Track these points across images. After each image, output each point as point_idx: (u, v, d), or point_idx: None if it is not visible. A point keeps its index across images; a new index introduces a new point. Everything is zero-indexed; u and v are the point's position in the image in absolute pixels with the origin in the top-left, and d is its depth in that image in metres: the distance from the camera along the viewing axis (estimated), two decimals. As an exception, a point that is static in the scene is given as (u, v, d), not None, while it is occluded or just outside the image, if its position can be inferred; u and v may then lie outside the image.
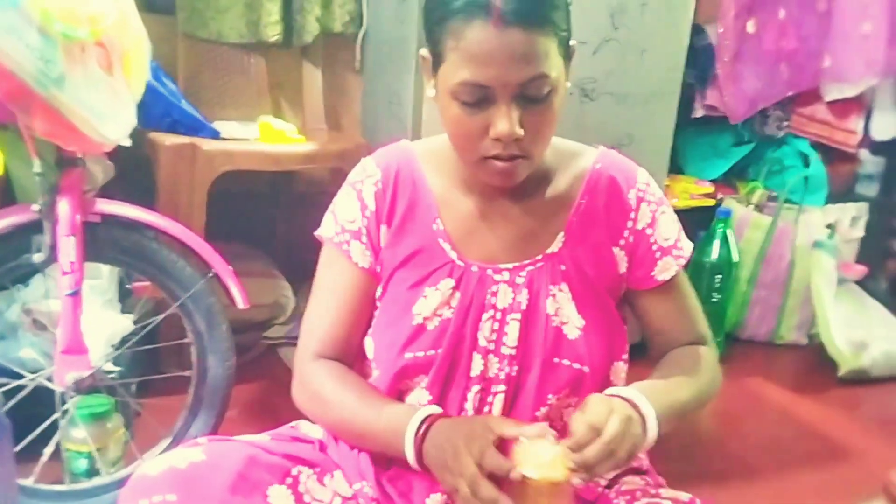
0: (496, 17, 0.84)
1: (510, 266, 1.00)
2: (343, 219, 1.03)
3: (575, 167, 1.04)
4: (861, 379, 2.45)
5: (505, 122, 0.87)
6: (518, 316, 0.98)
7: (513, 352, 0.98)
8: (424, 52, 0.95)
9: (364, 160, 1.06)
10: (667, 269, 1.05)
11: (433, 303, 0.98)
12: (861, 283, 2.87)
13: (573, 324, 0.99)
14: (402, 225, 1.01)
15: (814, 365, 2.57)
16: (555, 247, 1.01)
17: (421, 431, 0.92)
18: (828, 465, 1.98)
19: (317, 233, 1.06)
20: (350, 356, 1.05)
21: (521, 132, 0.88)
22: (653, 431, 0.89)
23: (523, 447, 0.87)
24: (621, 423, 0.85)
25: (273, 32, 2.23)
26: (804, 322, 2.71)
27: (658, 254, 1.04)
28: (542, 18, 0.86)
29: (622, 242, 1.04)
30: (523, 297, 0.99)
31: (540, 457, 0.85)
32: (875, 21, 2.63)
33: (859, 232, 2.95)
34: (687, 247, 1.07)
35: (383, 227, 1.02)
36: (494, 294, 0.99)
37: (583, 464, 0.83)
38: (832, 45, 2.65)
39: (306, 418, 1.10)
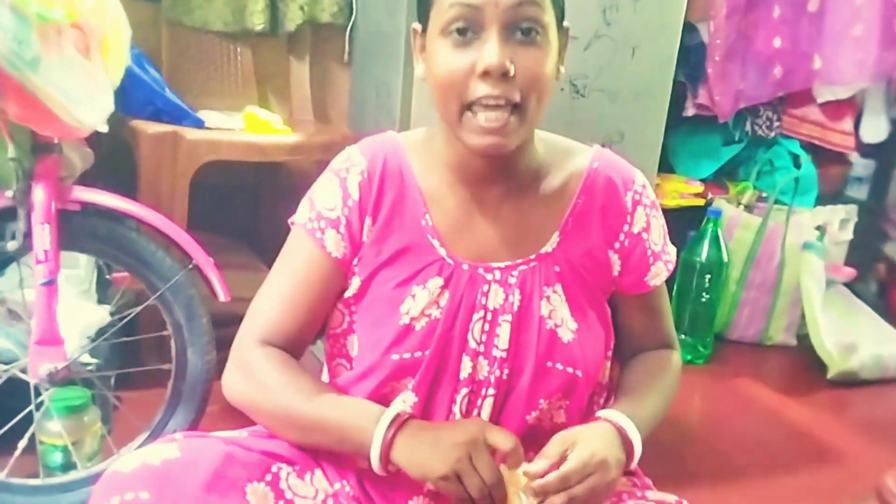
0: None
1: (502, 265, 0.97)
2: (321, 206, 0.98)
3: (570, 165, 1.01)
4: (850, 381, 2.45)
5: (493, 52, 0.85)
6: (510, 317, 0.95)
7: (504, 354, 0.95)
8: (416, 24, 0.93)
9: (349, 148, 1.01)
10: (658, 274, 1.04)
11: (421, 302, 0.94)
12: (850, 285, 2.89)
13: (567, 326, 0.97)
14: (389, 220, 0.97)
15: (803, 366, 2.57)
16: (549, 246, 0.98)
17: (393, 429, 0.89)
18: (816, 467, 1.97)
19: (291, 219, 1.01)
20: (297, 352, 1.00)
21: (509, 66, 0.85)
22: (637, 456, 0.94)
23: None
24: (590, 489, 0.87)
25: (259, 21, 2.20)
26: (793, 323, 2.71)
27: (651, 259, 1.03)
28: None
29: (617, 246, 1.01)
30: (515, 297, 0.96)
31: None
32: (866, 24, 2.63)
33: (848, 234, 2.95)
34: (673, 251, 1.07)
35: (367, 220, 0.97)
36: (485, 294, 0.96)
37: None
38: (824, 47, 2.64)
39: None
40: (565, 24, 0.93)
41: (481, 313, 0.95)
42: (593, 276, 1.00)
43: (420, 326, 0.94)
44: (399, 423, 0.89)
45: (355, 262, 0.98)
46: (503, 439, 0.87)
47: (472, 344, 0.95)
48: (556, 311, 0.97)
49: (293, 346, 0.99)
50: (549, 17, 0.88)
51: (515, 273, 0.97)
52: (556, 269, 0.98)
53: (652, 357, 1.07)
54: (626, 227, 1.01)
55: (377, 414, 0.90)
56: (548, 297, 0.97)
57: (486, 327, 0.95)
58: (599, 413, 0.96)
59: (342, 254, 0.98)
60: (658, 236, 1.04)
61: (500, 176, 0.97)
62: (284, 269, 1.00)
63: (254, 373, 0.96)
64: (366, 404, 0.93)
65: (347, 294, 0.99)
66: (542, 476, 0.86)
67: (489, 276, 0.96)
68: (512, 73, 0.86)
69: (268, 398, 0.96)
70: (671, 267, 1.05)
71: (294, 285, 0.98)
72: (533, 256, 0.98)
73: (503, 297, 0.96)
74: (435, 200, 0.98)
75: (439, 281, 0.95)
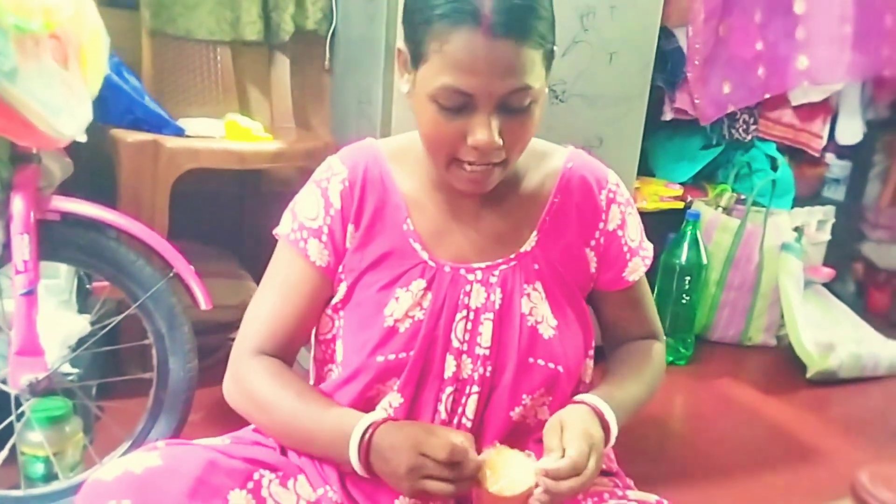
0: (486, 27, 0.82)
1: (483, 265, 0.99)
2: (303, 216, 1.00)
3: (546, 166, 1.04)
4: (829, 380, 2.48)
5: (485, 131, 0.86)
6: (491, 316, 0.97)
7: (486, 352, 0.97)
8: (402, 45, 0.92)
9: (330, 158, 1.03)
10: (636, 269, 1.06)
11: (404, 304, 0.96)
12: (828, 285, 2.92)
13: (547, 323, 0.98)
14: (371, 226, 0.99)
15: (782, 366, 2.60)
16: (528, 246, 1.01)
17: (366, 438, 0.90)
18: (796, 465, 1.99)
19: (275, 231, 1.04)
20: (290, 357, 1.03)
21: (500, 142, 0.87)
22: (613, 439, 0.95)
23: (491, 455, 0.89)
24: (597, 463, 0.88)
25: (253, 31, 2.21)
26: (772, 324, 2.73)
27: (628, 255, 1.05)
28: (530, 31, 0.84)
29: (593, 243, 1.04)
30: (497, 296, 0.98)
31: (507, 467, 0.88)
32: (848, 24, 2.65)
33: (826, 235, 2.98)
34: (649, 247, 1.09)
35: (350, 228, 0.99)
36: (468, 294, 0.97)
37: (554, 492, 0.85)
38: (805, 48, 2.66)
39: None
40: (555, 49, 0.92)
41: (464, 313, 0.97)
42: (571, 273, 1.02)
43: (404, 328, 0.95)
44: (372, 431, 0.90)
45: (341, 268, 1.00)
46: (438, 450, 0.86)
47: (455, 343, 0.96)
48: (537, 308, 0.98)
49: (285, 352, 1.02)
50: (540, 80, 0.88)
51: (496, 273, 0.99)
52: (536, 267, 1.00)
53: (635, 346, 1.10)
54: (601, 225, 1.03)
55: (355, 425, 0.91)
56: (528, 295, 0.98)
57: (469, 326, 0.97)
58: (576, 397, 0.97)
59: (326, 262, 0.99)
60: (634, 232, 1.06)
61: None
62: (272, 280, 1.03)
63: (246, 385, 1.00)
64: (347, 415, 0.94)
65: (335, 300, 1.01)
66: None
67: (471, 277, 0.98)
68: (502, 144, 0.88)
69: (259, 410, 0.99)
70: (648, 262, 1.08)
71: (281, 296, 1.01)
72: (513, 256, 1.00)
73: (485, 297, 0.98)
74: (416, 205, 1.00)
75: (422, 283, 0.97)
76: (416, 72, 0.89)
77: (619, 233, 1.04)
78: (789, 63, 2.66)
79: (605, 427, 0.94)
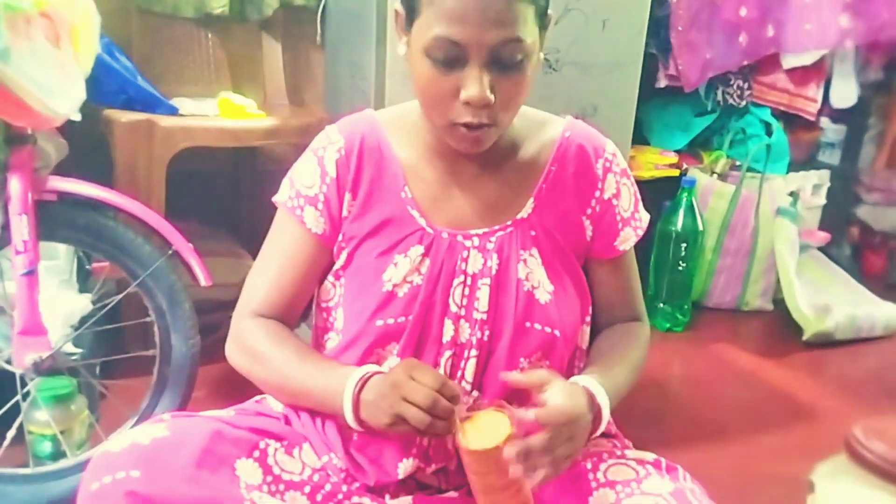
0: None
1: (480, 232, 1.00)
2: (300, 184, 1.02)
3: (544, 135, 1.04)
4: (825, 342, 2.50)
5: (476, 85, 0.87)
6: (488, 281, 0.98)
7: (484, 316, 0.98)
8: (398, 6, 0.94)
9: (328, 127, 1.05)
10: (627, 239, 1.07)
11: (403, 270, 0.97)
12: (824, 249, 2.93)
13: (544, 288, 1.00)
14: (370, 194, 1.00)
15: (779, 330, 2.62)
16: (524, 212, 1.02)
17: (358, 388, 0.91)
18: (793, 425, 2.02)
19: (274, 198, 1.05)
20: (290, 321, 1.05)
21: (491, 98, 0.88)
22: (605, 419, 0.94)
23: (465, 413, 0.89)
24: (580, 430, 0.88)
25: (218, 4, 2.17)
26: (769, 288, 2.75)
27: (620, 224, 1.06)
28: None
29: (589, 211, 1.05)
30: (494, 262, 0.99)
31: (479, 422, 0.88)
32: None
33: (821, 199, 2.99)
34: (644, 217, 1.10)
35: (347, 196, 1.00)
36: (465, 260, 0.99)
37: (525, 448, 0.84)
38: (783, 15, 2.64)
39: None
40: (549, 12, 0.93)
41: (461, 278, 0.98)
42: (567, 240, 1.03)
43: (403, 293, 0.97)
44: (363, 382, 0.92)
45: (340, 237, 1.01)
46: (428, 377, 0.86)
47: (453, 308, 0.98)
48: (533, 273, 1.00)
49: (284, 316, 1.04)
50: (532, 36, 0.89)
51: (493, 239, 1.00)
52: (532, 233, 1.01)
53: (622, 329, 1.10)
54: (597, 194, 1.04)
55: (351, 374, 0.93)
56: (524, 261, 1.00)
57: (467, 291, 0.98)
58: (570, 379, 0.97)
59: (322, 230, 1.01)
60: (628, 203, 1.07)
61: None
62: (270, 246, 1.05)
63: (246, 343, 1.02)
64: (342, 369, 0.96)
65: (336, 266, 1.03)
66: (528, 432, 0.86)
67: (468, 243, 0.99)
68: (493, 100, 0.88)
69: (259, 366, 1.02)
70: (640, 233, 1.09)
71: (279, 261, 1.03)
72: (509, 222, 1.01)
73: (482, 262, 0.99)
74: (414, 173, 1.01)
75: (420, 249, 0.98)
76: (411, 29, 0.90)
77: (614, 202, 1.05)
78: (767, 30, 2.65)
79: (597, 410, 0.93)
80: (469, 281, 0.99)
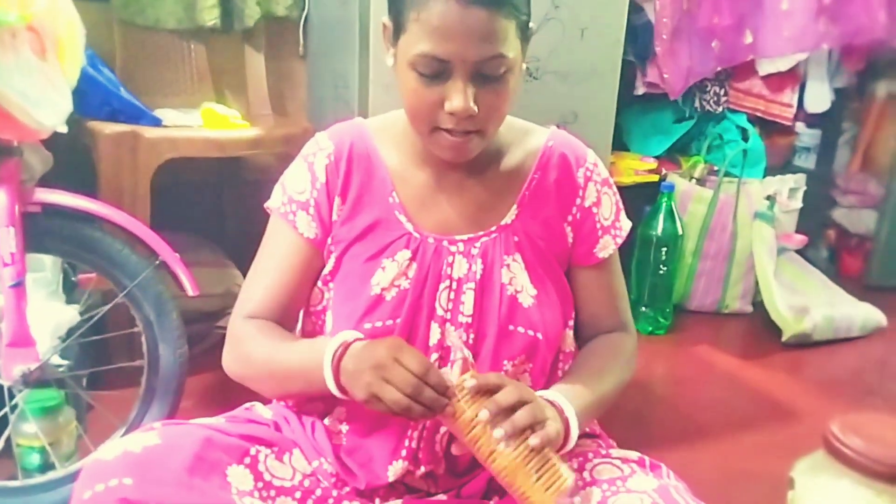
0: None
1: (465, 237, 1.02)
2: (291, 189, 1.04)
3: (528, 144, 1.07)
4: (803, 343, 2.54)
5: (460, 98, 0.89)
6: (473, 285, 1.00)
7: (469, 320, 1.00)
8: (386, 20, 0.96)
9: (318, 134, 1.07)
10: (606, 247, 1.09)
11: (390, 274, 0.99)
12: (801, 251, 2.97)
13: (527, 292, 1.02)
14: (358, 199, 1.03)
15: (758, 331, 2.66)
16: (508, 218, 1.04)
17: (337, 354, 0.92)
18: (774, 424, 2.05)
19: (266, 204, 1.07)
20: (287, 325, 1.06)
21: (475, 109, 0.90)
22: (574, 432, 0.93)
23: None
24: (539, 409, 0.89)
25: (210, 17, 2.19)
26: (748, 291, 2.78)
27: (600, 232, 1.09)
28: (503, 0, 0.88)
29: (570, 219, 1.07)
30: (478, 266, 1.01)
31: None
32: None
33: (798, 203, 3.03)
34: (625, 226, 1.11)
35: (336, 200, 1.02)
36: (450, 264, 1.01)
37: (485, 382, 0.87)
38: (757, 21, 2.69)
39: (258, 399, 1.10)
40: (531, 24, 0.96)
41: (447, 282, 1.00)
42: (550, 245, 1.06)
43: (390, 296, 0.99)
44: (344, 348, 0.92)
45: (330, 241, 1.03)
46: (414, 362, 0.87)
47: (439, 311, 1.00)
48: (517, 278, 1.02)
49: (281, 321, 1.05)
50: (515, 50, 0.92)
51: (478, 244, 1.02)
52: (515, 239, 1.04)
53: (606, 340, 1.11)
54: (578, 201, 1.07)
55: (330, 343, 0.94)
56: (508, 266, 1.02)
57: (452, 295, 1.00)
58: (541, 393, 0.97)
59: (314, 234, 1.03)
60: (609, 211, 1.09)
61: None
62: (264, 252, 1.07)
63: (239, 341, 1.04)
64: (316, 344, 0.97)
65: (325, 271, 1.04)
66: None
67: (453, 248, 1.02)
68: (476, 111, 0.91)
69: (249, 359, 1.03)
70: (619, 241, 1.11)
71: (273, 266, 1.05)
72: (493, 228, 1.03)
73: (467, 267, 1.01)
74: (401, 179, 1.03)
75: (407, 254, 1.00)
76: (398, 43, 0.93)
77: (595, 210, 1.08)
78: (739, 36, 2.69)
79: (565, 422, 0.92)
80: (454, 285, 1.01)
